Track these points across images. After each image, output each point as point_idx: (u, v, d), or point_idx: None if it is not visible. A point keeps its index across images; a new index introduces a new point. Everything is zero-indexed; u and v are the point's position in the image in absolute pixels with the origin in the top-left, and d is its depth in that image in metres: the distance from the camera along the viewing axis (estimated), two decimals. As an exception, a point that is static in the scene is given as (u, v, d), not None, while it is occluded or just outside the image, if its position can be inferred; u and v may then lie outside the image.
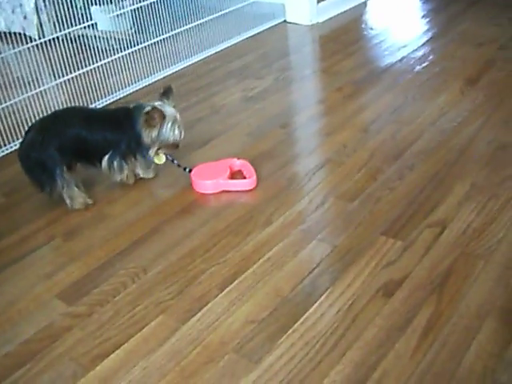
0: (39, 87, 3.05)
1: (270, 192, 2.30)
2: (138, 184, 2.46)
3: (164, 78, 3.44)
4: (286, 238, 2.04)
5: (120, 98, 3.22)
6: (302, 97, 3.10)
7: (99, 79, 3.20)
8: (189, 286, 1.88)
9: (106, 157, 2.34)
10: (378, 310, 1.70)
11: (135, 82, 3.34)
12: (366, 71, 3.27)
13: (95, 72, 3.20)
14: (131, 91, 3.29)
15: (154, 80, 3.40)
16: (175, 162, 2.46)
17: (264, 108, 2.96)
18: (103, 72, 3.22)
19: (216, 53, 3.72)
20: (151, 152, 2.35)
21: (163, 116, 2.28)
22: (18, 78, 3.27)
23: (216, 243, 2.06)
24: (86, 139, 2.31)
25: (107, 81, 3.24)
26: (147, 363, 1.64)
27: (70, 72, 3.14)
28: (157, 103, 2.31)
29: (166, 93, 2.38)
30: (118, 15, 3.60)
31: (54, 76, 3.21)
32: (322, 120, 2.85)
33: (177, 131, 2.32)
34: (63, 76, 3.14)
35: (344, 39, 3.75)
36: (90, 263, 2.05)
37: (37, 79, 3.21)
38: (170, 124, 2.30)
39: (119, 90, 3.27)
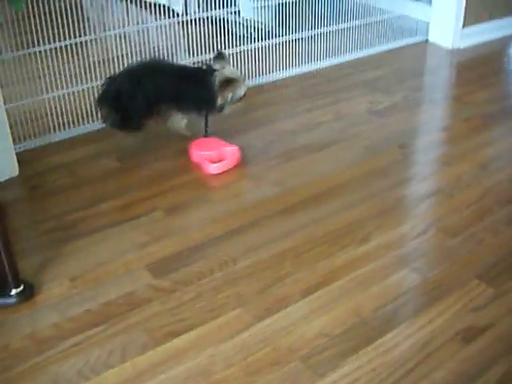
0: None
1: (375, 209, 2.28)
2: (247, 175, 2.49)
3: (294, 75, 3.46)
4: (379, 259, 2.02)
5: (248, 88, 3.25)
6: (427, 120, 3.05)
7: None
8: (273, 286, 1.90)
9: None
10: (453, 353, 1.66)
11: (265, 75, 3.37)
12: (499, 106, 3.17)
13: (229, 57, 3.24)
14: (260, 82, 3.33)
15: (283, 76, 3.42)
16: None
17: (387, 124, 2.93)
18: (237, 59, 3.27)
19: (351, 60, 3.69)
20: (226, 110, 2.68)
21: (234, 80, 2.62)
22: (154, 47, 3.37)
23: (310, 249, 2.06)
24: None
25: (238, 68, 3.27)
26: (215, 351, 1.67)
27: (206, 52, 3.21)
28: (219, 66, 2.64)
29: (220, 56, 2.69)
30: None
31: (189, 53, 3.29)
32: (442, 148, 2.80)
33: (243, 89, 2.67)
34: (198, 55, 3.21)
35: (483, 69, 3.65)
36: (185, 242, 2.10)
37: (172, 54, 3.29)
38: (238, 85, 2.64)
39: (249, 79, 3.30)
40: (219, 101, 2.62)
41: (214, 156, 2.59)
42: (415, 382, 1.57)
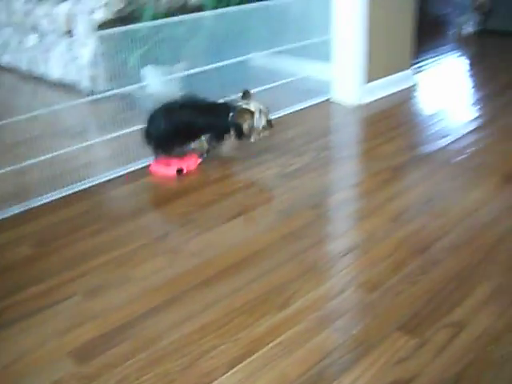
0: (86, 141, 3.15)
1: (293, 273, 2.31)
2: (166, 250, 2.50)
3: (206, 143, 3.49)
4: (300, 322, 2.04)
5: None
6: (338, 178, 3.13)
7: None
8: (198, 360, 1.89)
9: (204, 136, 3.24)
10: (381, 410, 1.69)
11: (178, 146, 3.38)
12: (405, 158, 3.28)
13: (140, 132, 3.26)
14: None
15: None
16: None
17: (299, 186, 2.99)
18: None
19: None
20: (253, 138, 3.22)
21: (251, 112, 3.16)
22: (66, 128, 3.38)
23: (230, 321, 2.07)
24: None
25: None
26: None
27: (117, 129, 3.22)
28: (241, 103, 3.22)
29: (245, 95, 3.25)
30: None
31: (101, 131, 3.30)
32: (354, 204, 2.87)
33: (264, 118, 3.20)
34: (110, 133, 3.22)
35: (387, 123, 3.78)
36: (107, 324, 2.08)
37: (83, 132, 3.30)
38: (257, 115, 3.18)
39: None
40: (244, 129, 3.17)
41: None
42: None
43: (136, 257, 2.47)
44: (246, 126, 3.16)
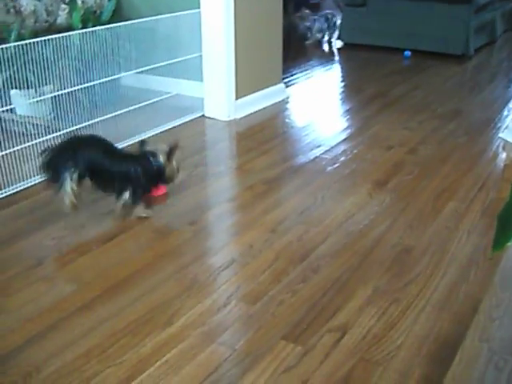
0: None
1: (174, 291, 2.28)
2: (41, 277, 2.41)
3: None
4: (185, 339, 2.02)
5: (34, 185, 3.16)
6: (214, 194, 3.13)
7: (14, 164, 3.14)
8: (83, 387, 1.84)
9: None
10: (270, 419, 1.69)
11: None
12: (279, 170, 3.33)
13: (10, 156, 3.14)
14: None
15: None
16: None
17: (174, 204, 2.97)
18: (19, 157, 3.17)
19: (132, 144, 3.71)
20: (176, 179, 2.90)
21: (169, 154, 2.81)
22: None
23: (114, 343, 2.01)
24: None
25: (22, 166, 3.17)
26: None
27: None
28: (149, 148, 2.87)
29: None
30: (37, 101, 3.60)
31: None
32: (230, 219, 2.87)
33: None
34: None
35: (260, 137, 3.82)
36: (-19, 360, 1.98)
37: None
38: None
39: (34, 176, 3.20)
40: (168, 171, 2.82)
41: None
42: None
43: (9, 286, 2.36)
44: (173, 167, 2.86)
